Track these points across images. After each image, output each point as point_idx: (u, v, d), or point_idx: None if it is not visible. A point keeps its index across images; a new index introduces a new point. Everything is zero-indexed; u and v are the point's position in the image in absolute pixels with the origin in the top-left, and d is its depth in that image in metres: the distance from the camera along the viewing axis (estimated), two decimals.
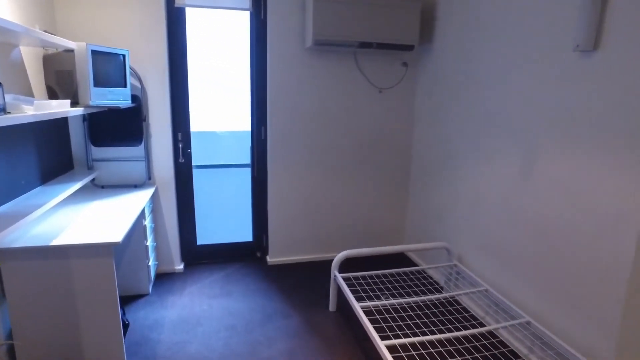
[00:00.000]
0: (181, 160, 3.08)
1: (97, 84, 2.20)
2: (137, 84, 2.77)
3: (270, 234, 3.36)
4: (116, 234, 1.95)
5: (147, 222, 2.74)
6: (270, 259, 3.40)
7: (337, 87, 3.20)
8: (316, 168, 3.31)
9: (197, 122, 3.16)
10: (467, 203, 2.74)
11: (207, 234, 3.41)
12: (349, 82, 3.21)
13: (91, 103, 2.17)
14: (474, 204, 2.67)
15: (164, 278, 3.10)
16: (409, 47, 3.03)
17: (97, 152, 2.82)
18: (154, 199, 3.01)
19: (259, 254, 3.48)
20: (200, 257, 3.37)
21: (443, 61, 2.98)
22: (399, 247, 2.79)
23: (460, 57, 2.76)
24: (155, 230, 3.06)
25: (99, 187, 2.85)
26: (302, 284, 3.07)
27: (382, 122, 3.38)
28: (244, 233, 3.48)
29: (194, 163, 3.17)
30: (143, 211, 2.63)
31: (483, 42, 2.52)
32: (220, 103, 3.25)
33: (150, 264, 2.78)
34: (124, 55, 2.46)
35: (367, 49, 2.98)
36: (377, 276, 2.99)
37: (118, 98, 2.42)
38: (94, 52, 2.16)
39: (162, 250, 3.13)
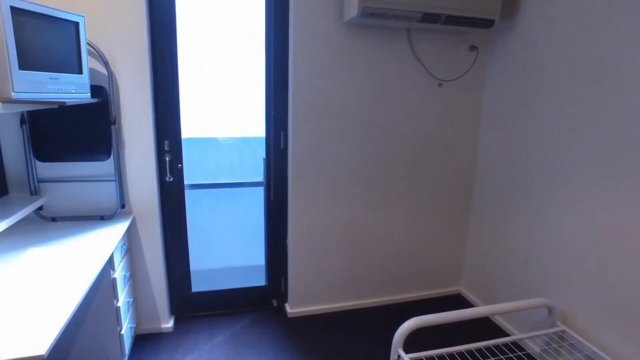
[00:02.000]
0: (169, 178, 2.21)
1: (26, 65, 1.34)
2: (102, 70, 1.90)
3: (290, 275, 2.49)
4: (44, 338, 1.08)
5: (119, 273, 1.86)
6: (292, 309, 2.53)
7: (383, 78, 2.33)
8: (354, 188, 2.44)
9: (192, 126, 2.29)
10: (579, 242, 1.88)
11: (205, 278, 2.54)
12: (399, 71, 2.35)
13: (14, 96, 1.30)
14: (592, 244, 1.81)
15: (145, 342, 2.22)
16: (487, 23, 2.17)
17: (45, 169, 1.94)
18: (130, 235, 2.14)
19: (275, 303, 2.61)
20: (197, 309, 2.49)
21: (534, 43, 2.12)
22: (483, 309, 1.93)
23: (570, 35, 1.90)
24: (132, 279, 2.19)
25: (49, 220, 1.97)
26: (340, 347, 2.20)
27: (442, 128, 2.52)
28: (255, 275, 2.61)
29: (187, 182, 2.30)
30: (111, 259, 1.76)
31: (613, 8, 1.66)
32: (224, 100, 2.38)
33: (123, 330, 1.90)
34: (76, 24, 1.59)
35: (431, 24, 2.13)
36: (460, 354, 2.04)
37: (66, 89, 1.54)
38: (17, 12, 1.29)
39: (142, 305, 2.26)
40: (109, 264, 1.76)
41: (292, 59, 2.17)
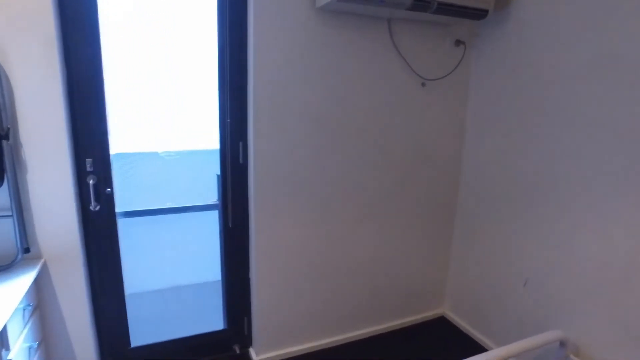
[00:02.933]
0: (94, 207, 1.69)
1: None
2: None
3: (255, 315, 2.05)
4: None
5: (18, 349, 1.33)
6: (258, 356, 2.08)
7: (362, 75, 1.96)
8: (329, 208, 2.05)
9: (124, 138, 1.79)
10: (592, 263, 1.63)
11: (148, 328, 2.03)
12: (380, 68, 1.99)
13: None
14: (608, 265, 1.57)
15: None
16: (480, 14, 1.88)
17: None
18: (40, 288, 1.59)
19: (237, 349, 2.15)
20: None
21: (527, 39, 1.85)
22: (497, 352, 1.62)
23: (571, 30, 1.64)
24: (43, 347, 1.64)
25: None
26: None
27: (425, 134, 2.20)
28: (211, 318, 2.14)
29: (119, 210, 1.78)
30: (3, 334, 1.23)
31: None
32: (166, 105, 1.90)
33: None
34: None
35: (419, 12, 1.79)
36: None
37: None
38: None
39: None
40: (2, 337, 1.23)
41: (253, 53, 1.73)
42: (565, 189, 1.76)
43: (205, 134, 1.92)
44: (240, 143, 1.90)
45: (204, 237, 2.08)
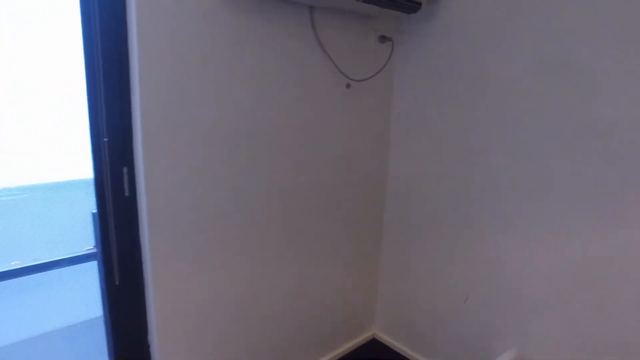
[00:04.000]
0: None
1: None
2: None
3: None
4: None
5: None
6: None
7: (281, 75, 1.59)
8: (246, 242, 1.65)
9: None
10: (539, 278, 1.56)
11: None
12: (301, 67, 1.64)
13: None
14: (556, 280, 1.50)
15: None
16: (413, 7, 1.65)
17: None
18: None
19: None
20: None
21: (461, 37, 1.69)
22: None
23: (511, 27, 1.51)
24: None
25: None
26: None
27: (351, 144, 1.92)
28: None
29: None
30: None
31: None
32: (3, 117, 1.26)
33: None
34: None
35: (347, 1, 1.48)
36: None
37: None
38: None
39: None
40: None
41: (138, 47, 1.23)
42: (508, 199, 1.65)
43: (70, 158, 1.34)
44: (125, 169, 1.37)
45: (76, 303, 1.49)
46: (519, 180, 1.60)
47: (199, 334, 1.58)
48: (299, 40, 1.60)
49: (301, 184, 1.76)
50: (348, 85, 1.83)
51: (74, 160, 1.32)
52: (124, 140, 1.34)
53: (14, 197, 1.28)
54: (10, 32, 1.21)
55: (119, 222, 1.40)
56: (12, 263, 1.33)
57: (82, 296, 1.47)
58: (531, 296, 1.62)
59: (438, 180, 1.89)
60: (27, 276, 1.36)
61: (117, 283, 1.43)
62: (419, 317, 2.09)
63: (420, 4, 1.65)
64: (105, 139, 1.30)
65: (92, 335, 1.51)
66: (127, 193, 1.39)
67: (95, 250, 1.43)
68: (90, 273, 1.43)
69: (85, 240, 1.40)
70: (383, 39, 1.88)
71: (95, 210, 1.38)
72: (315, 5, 1.59)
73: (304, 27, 1.61)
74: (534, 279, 1.60)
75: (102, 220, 1.38)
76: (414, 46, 1.90)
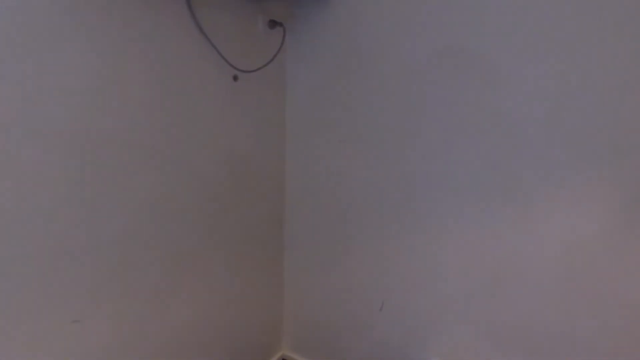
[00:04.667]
0: None
1: None
2: None
3: None
4: None
5: None
6: None
7: (151, 67, 1.25)
8: (122, 277, 1.27)
9: None
10: (456, 277, 1.50)
11: None
12: (176, 55, 1.32)
13: None
14: (474, 278, 1.45)
15: None
16: None
17: None
18: None
19: None
20: None
21: (358, 24, 1.55)
22: None
23: (407, 20, 1.42)
24: None
25: None
26: None
27: (243, 145, 1.65)
28: None
29: None
30: None
31: None
32: None
33: None
34: None
35: None
36: None
37: None
38: None
39: None
40: None
41: None
42: (418, 198, 1.55)
43: None
44: None
45: None
46: (428, 176, 1.51)
47: None
48: (169, 23, 1.28)
49: (185, 200, 1.44)
50: (235, 78, 1.56)
51: None
52: None
53: None
54: None
55: None
56: None
57: None
58: (450, 297, 1.55)
59: (341, 180, 1.73)
60: None
61: None
62: (332, 330, 1.92)
63: None
64: None
65: None
66: None
67: None
68: None
69: None
70: (273, 24, 1.64)
71: None
72: None
73: (178, 5, 1.29)
74: (450, 278, 1.53)
75: None
76: (307, 33, 1.71)
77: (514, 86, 1.29)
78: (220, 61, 1.47)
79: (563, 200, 1.26)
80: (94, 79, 1.10)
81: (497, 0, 1.28)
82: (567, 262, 1.28)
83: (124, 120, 1.20)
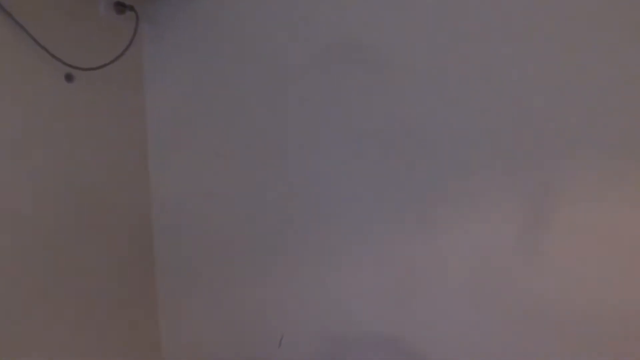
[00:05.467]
0: None
1: None
2: None
3: None
4: None
5: None
6: None
7: None
8: None
9: None
10: (363, 299, 1.36)
11: None
12: None
13: None
14: (382, 300, 1.34)
15: None
16: None
17: None
18: None
19: None
20: None
21: (231, 14, 1.27)
22: None
23: (292, 10, 1.21)
24: None
25: None
26: None
27: (90, 166, 1.23)
28: None
29: None
30: None
31: None
32: None
33: None
34: None
35: None
36: None
37: None
38: None
39: None
40: None
41: None
42: (309, 218, 1.36)
43: None
44: None
45: None
46: (319, 193, 1.33)
47: None
48: None
49: (14, 245, 0.99)
50: (69, 77, 1.14)
51: None
52: None
53: None
54: None
55: None
56: None
57: None
58: (358, 322, 1.41)
59: (220, 202, 1.44)
60: None
61: None
62: None
63: None
64: None
65: None
66: None
67: None
68: None
69: None
70: (121, 7, 1.25)
71: None
72: None
73: None
74: (355, 301, 1.38)
75: None
76: (169, 21, 1.35)
77: (412, 92, 1.18)
78: (44, 56, 1.04)
79: (473, 208, 1.20)
80: None
81: None
82: (478, 269, 1.23)
83: None
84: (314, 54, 1.24)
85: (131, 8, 1.26)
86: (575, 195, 1.08)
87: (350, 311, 1.39)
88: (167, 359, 1.66)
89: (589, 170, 1.07)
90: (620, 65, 0.99)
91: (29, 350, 1.08)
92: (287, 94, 1.29)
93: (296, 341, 1.48)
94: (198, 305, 1.58)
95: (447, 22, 1.13)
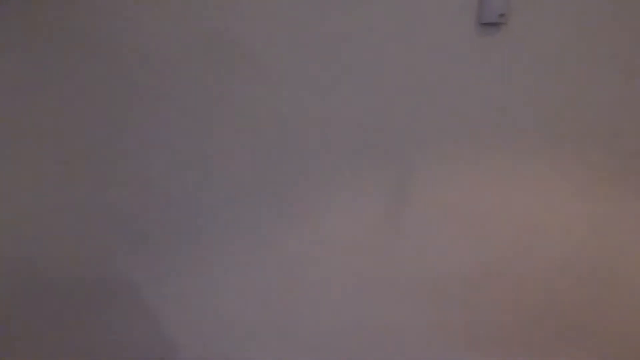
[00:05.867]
0: None
1: None
2: None
3: None
4: None
5: None
6: None
7: None
8: None
9: None
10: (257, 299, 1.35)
11: None
12: None
13: None
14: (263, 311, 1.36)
15: None
16: None
17: None
18: None
19: None
20: None
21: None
22: None
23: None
24: None
25: None
26: None
27: None
28: None
29: None
30: None
31: None
32: None
33: None
34: None
35: None
36: None
37: None
38: None
39: None
40: None
41: None
42: (186, 224, 1.27)
43: None
44: None
45: None
46: (194, 194, 1.26)
47: None
48: None
49: None
50: None
51: None
52: None
53: None
54: None
55: None
56: None
57: None
58: (240, 322, 1.40)
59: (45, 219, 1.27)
60: None
61: None
62: None
63: None
64: None
65: None
66: None
67: None
68: None
69: None
70: None
71: None
72: None
73: None
74: (237, 301, 1.38)
75: None
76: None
77: (284, 85, 1.21)
78: None
79: (342, 195, 1.27)
80: None
81: None
82: (351, 248, 1.31)
83: None
84: (180, 46, 1.19)
85: None
86: (428, 178, 1.25)
87: (231, 311, 1.35)
88: None
89: (439, 157, 1.23)
90: (454, 75, 1.14)
91: None
92: (134, 91, 1.22)
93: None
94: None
95: (314, 22, 1.17)
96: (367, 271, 1.31)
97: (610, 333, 1.40)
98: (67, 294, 1.31)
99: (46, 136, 1.23)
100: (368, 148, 1.26)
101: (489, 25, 1.17)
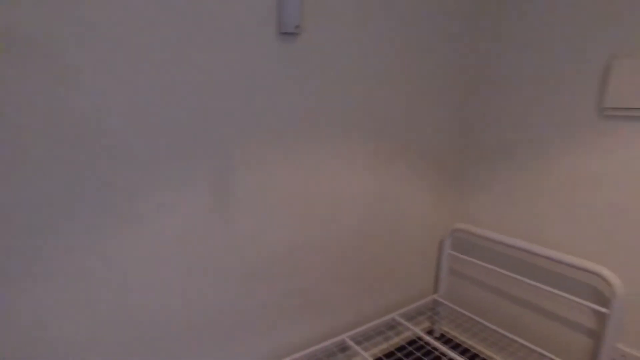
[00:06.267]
0: None
1: None
2: None
3: None
4: None
5: None
6: None
7: None
8: None
9: None
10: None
11: None
12: None
13: None
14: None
15: None
16: None
17: None
18: None
19: None
20: None
21: None
22: None
23: None
24: None
25: None
26: None
27: None
28: None
29: None
30: None
31: None
32: None
33: None
34: None
35: None
36: None
37: None
38: None
39: None
40: None
41: None
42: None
43: None
44: None
45: None
46: None
47: None
48: None
49: None
50: None
51: None
52: None
53: None
54: None
55: None
56: None
57: None
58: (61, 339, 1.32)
59: None
60: None
61: None
62: None
63: None
64: None
65: None
66: None
67: None
68: None
69: None
70: None
71: None
72: None
73: None
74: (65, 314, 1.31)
75: None
76: None
77: (88, 82, 1.13)
78: None
79: (168, 191, 1.25)
80: None
81: None
82: (183, 239, 1.33)
83: None
84: None
85: None
86: (247, 167, 1.39)
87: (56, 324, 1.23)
88: None
89: (255, 153, 1.38)
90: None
91: None
92: None
93: None
94: None
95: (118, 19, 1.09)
96: (199, 262, 1.38)
97: (392, 280, 1.87)
98: None
99: None
100: (184, 148, 1.25)
101: (288, 34, 1.37)
